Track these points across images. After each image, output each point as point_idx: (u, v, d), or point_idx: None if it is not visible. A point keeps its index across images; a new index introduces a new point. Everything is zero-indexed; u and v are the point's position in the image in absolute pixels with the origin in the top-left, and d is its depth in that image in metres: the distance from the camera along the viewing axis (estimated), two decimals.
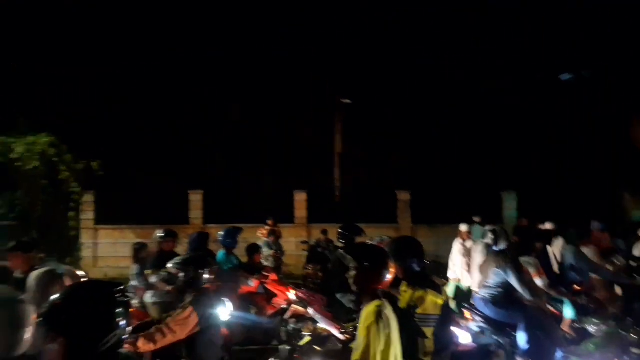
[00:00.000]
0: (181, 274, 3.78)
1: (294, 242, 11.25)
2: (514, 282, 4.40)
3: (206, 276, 3.87)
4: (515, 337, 4.31)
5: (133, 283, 5.83)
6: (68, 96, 13.38)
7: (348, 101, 15.21)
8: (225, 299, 3.90)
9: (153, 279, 4.81)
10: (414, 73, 15.66)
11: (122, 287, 1.86)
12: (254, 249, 6.48)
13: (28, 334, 1.85)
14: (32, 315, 1.93)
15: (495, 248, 4.71)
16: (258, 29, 15.31)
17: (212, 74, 14.56)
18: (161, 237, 5.64)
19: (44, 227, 13.06)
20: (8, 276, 4.31)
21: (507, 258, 4.54)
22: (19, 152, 12.18)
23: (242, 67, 14.96)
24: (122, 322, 1.80)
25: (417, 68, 15.59)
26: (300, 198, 13.20)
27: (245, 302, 5.52)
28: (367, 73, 15.62)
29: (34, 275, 2.95)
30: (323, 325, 4.48)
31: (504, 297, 4.44)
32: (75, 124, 13.29)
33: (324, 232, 10.09)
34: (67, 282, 2.98)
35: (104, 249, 12.78)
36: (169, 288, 3.83)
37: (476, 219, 9.18)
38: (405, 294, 3.08)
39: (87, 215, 12.95)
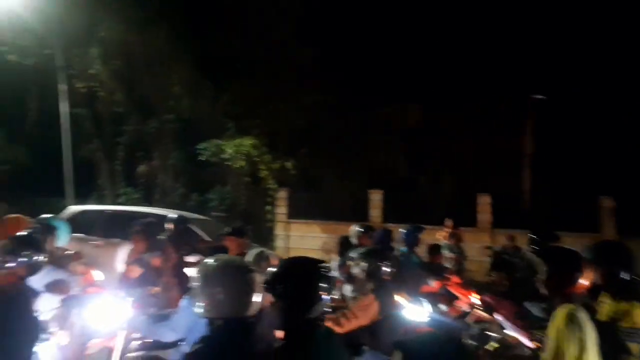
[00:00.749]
0: (363, 264, 4.02)
1: (476, 247, 10.81)
2: None
3: (386, 269, 4.04)
4: None
5: (333, 274, 6.21)
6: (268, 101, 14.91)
7: (541, 97, 14.05)
8: (422, 298, 4.00)
9: (354, 271, 5.09)
10: (619, 64, 13.70)
11: (327, 265, 2.11)
12: (436, 250, 6.46)
13: (256, 297, 2.19)
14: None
15: None
16: (442, 26, 15.05)
17: (393, 72, 14.68)
18: (360, 232, 5.96)
19: (246, 219, 14.90)
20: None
21: None
22: (229, 152, 14.08)
23: (422, 64, 14.83)
24: (326, 296, 2.05)
25: (623, 58, 13.61)
26: (484, 201, 12.62)
27: (423, 302, 5.55)
28: (564, 65, 14.13)
29: (250, 253, 3.53)
30: (511, 331, 4.28)
31: None
32: (277, 126, 14.79)
33: (511, 238, 9.56)
34: (273, 261, 3.49)
35: (294, 241, 13.95)
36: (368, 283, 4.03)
37: None
38: (606, 305, 2.79)
39: (281, 209, 14.28)
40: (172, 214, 8.12)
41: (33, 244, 3.73)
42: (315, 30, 14.53)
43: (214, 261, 2.22)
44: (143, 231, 5.65)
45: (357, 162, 14.57)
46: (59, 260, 4.85)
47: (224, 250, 4.37)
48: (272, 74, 14.62)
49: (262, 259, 3.55)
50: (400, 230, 6.72)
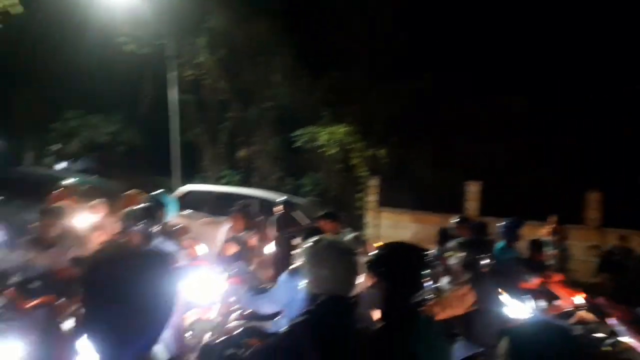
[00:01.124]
0: (460, 255, 3.95)
1: (582, 245, 10.10)
2: None
3: (484, 261, 3.93)
4: None
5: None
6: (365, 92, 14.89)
7: None
8: (523, 295, 3.88)
9: (451, 262, 5.01)
10: None
11: (428, 252, 2.11)
12: (537, 246, 6.14)
13: (358, 278, 2.24)
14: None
15: None
16: (550, 11, 14.01)
17: (497, 57, 13.92)
18: (458, 223, 5.83)
19: (337, 205, 15.09)
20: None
21: None
22: (323, 140, 14.32)
23: (529, 52, 13.93)
24: (427, 283, 2.04)
25: None
26: (594, 198, 11.70)
27: (523, 298, 5.32)
28: None
29: (346, 237, 3.62)
30: (626, 337, 3.98)
31: None
32: (372, 114, 14.73)
33: (622, 238, 8.87)
34: (369, 246, 3.55)
35: (384, 230, 13.89)
36: (464, 274, 3.96)
37: None
38: None
39: (372, 197, 14.27)
40: (275, 196, 8.51)
41: (149, 215, 4.11)
42: (414, 16, 14.19)
43: (322, 241, 2.30)
44: (241, 211, 5.99)
45: (455, 152, 14.10)
46: (168, 233, 5.29)
47: (319, 231, 4.50)
48: (369, 62, 14.58)
49: (358, 242, 3.63)
50: (499, 224, 6.45)
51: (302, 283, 2.27)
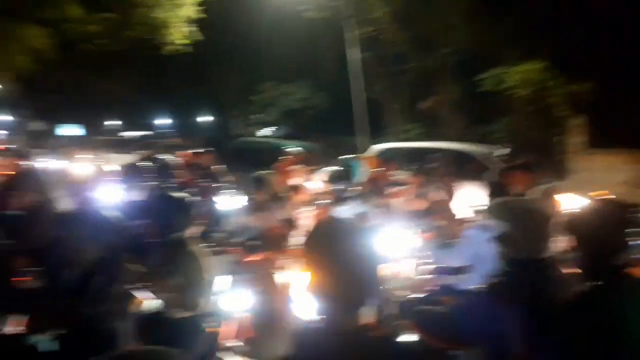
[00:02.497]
0: None
1: None
2: None
3: None
4: None
5: None
6: (560, 19, 13.15)
7: None
8: None
9: None
10: None
11: (636, 209, 1.87)
12: None
13: (552, 240, 2.12)
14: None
15: None
16: None
17: None
18: None
19: (534, 151, 13.87)
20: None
21: None
22: (514, 80, 13.14)
23: None
24: (633, 242, 1.81)
25: None
26: None
27: None
28: None
29: (536, 190, 3.41)
30: None
31: None
32: (568, 46, 13.00)
33: None
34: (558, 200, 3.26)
35: (592, 174, 12.35)
36: None
37: None
38: None
39: (576, 139, 12.76)
40: (472, 148, 8.21)
41: (345, 177, 4.40)
42: None
43: (509, 200, 2.23)
44: (420, 169, 6.02)
45: None
46: (361, 195, 5.57)
47: (505, 186, 4.23)
48: None
49: (548, 196, 3.36)
50: None
51: (490, 239, 2.22)
